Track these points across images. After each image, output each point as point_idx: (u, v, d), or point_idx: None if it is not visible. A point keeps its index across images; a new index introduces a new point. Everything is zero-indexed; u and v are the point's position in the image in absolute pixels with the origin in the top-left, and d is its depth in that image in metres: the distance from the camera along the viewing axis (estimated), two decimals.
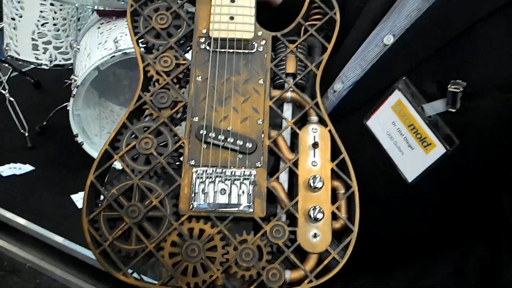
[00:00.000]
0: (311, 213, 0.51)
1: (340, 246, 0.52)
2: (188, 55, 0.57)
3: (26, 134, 2.18)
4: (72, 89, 1.86)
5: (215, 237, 0.52)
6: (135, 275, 0.52)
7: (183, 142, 0.54)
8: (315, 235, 0.52)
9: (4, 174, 2.09)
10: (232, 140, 0.53)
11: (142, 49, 0.58)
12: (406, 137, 0.52)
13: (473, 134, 0.48)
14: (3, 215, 1.91)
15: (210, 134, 0.53)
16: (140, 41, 0.58)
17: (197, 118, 0.54)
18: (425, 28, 0.52)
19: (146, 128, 0.55)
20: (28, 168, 2.14)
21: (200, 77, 0.55)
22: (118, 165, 0.55)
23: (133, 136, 0.55)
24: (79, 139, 1.96)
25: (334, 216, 0.53)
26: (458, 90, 0.47)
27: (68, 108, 1.91)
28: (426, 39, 0.51)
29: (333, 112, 0.59)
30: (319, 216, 0.51)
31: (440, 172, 0.50)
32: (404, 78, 0.51)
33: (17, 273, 1.89)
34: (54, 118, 2.28)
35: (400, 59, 0.54)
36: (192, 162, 0.53)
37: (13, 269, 1.90)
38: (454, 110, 0.48)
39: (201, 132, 0.54)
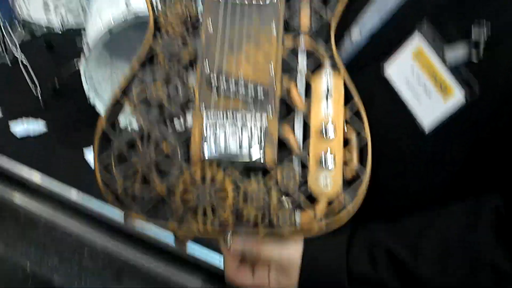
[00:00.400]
0: (323, 159, 0.51)
1: (351, 191, 0.52)
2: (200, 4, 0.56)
3: (40, 95, 2.20)
4: (84, 51, 1.85)
5: (225, 182, 0.52)
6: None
7: (193, 90, 0.54)
8: (326, 182, 0.52)
9: (18, 134, 2.13)
10: (243, 88, 0.53)
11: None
12: (425, 85, 0.50)
13: (494, 83, 0.47)
14: (19, 171, 1.96)
15: (221, 82, 0.53)
16: None
17: (208, 65, 0.53)
18: None
19: (157, 74, 0.54)
20: (42, 128, 2.18)
21: (211, 23, 0.54)
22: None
23: (143, 83, 0.54)
24: (91, 99, 1.98)
25: (346, 163, 0.53)
26: (482, 35, 0.45)
27: (80, 70, 1.91)
28: None
29: (350, 62, 0.57)
30: (330, 162, 0.51)
31: (458, 123, 0.49)
32: (425, 23, 0.49)
33: (33, 226, 1.96)
34: (66, 80, 2.29)
35: (421, 4, 0.52)
36: (203, 108, 0.53)
37: (29, 224, 1.97)
38: (476, 57, 0.46)
39: (212, 80, 0.53)
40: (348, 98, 0.53)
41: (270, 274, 0.54)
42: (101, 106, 1.96)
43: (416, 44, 0.50)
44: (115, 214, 1.79)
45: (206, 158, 0.52)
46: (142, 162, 0.52)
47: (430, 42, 0.49)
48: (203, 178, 0.52)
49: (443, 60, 0.48)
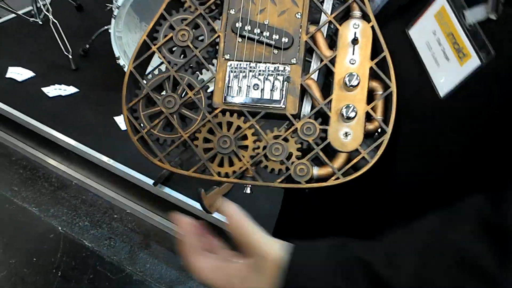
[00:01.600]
0: (344, 111, 0.51)
1: (372, 146, 0.51)
2: None
3: (70, 56, 2.24)
4: (113, 10, 1.86)
5: (246, 131, 0.52)
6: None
7: (218, 36, 0.53)
8: (346, 134, 0.51)
9: (50, 95, 2.19)
10: (268, 34, 0.52)
11: None
12: (444, 48, 0.48)
13: (511, 47, 0.44)
14: (52, 135, 2.02)
15: (245, 28, 0.52)
16: None
17: (233, 10, 0.53)
18: None
19: (183, 20, 0.54)
20: (72, 89, 2.23)
21: None
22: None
23: (170, 28, 0.54)
24: (121, 61, 2.00)
25: (369, 117, 0.52)
26: None
27: (109, 31, 1.93)
28: None
29: (376, 15, 0.56)
30: (352, 115, 0.51)
31: (473, 88, 0.47)
32: None
33: (64, 189, 2.03)
34: (96, 41, 2.32)
35: None
36: (227, 56, 0.53)
37: (61, 185, 2.05)
38: (495, 18, 0.44)
39: (237, 25, 0.53)
40: (375, 46, 0.52)
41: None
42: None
43: (440, 4, 0.48)
44: (144, 178, 1.84)
45: (228, 105, 0.52)
46: (167, 106, 0.53)
47: (451, 3, 0.47)
48: (225, 126, 0.53)
49: (463, 21, 0.46)
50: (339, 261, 0.46)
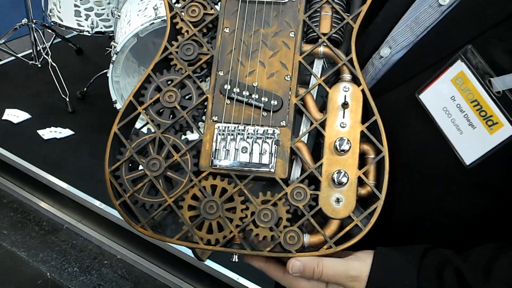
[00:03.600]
0: (335, 176, 0.49)
1: (365, 213, 0.49)
2: (218, 7, 0.55)
3: (67, 99, 2.25)
4: (112, 55, 1.88)
5: (234, 196, 0.50)
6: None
7: (207, 97, 0.52)
8: (338, 200, 0.49)
9: (45, 137, 2.18)
10: (257, 96, 0.51)
11: None
12: (467, 115, 0.46)
13: None
14: (45, 178, 1.99)
15: (234, 89, 0.51)
16: None
17: (222, 72, 0.52)
18: None
19: (170, 81, 0.53)
20: (68, 132, 2.22)
21: (227, 28, 0.53)
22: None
23: (157, 89, 0.53)
24: (118, 105, 2.00)
25: (361, 182, 0.50)
26: None
27: (108, 75, 1.94)
28: (493, 3, 0.45)
29: (379, 81, 0.54)
30: (344, 180, 0.49)
31: (505, 156, 0.45)
32: (468, 46, 0.45)
33: (55, 233, 1.98)
34: (94, 85, 2.34)
35: (461, 25, 0.47)
36: (215, 118, 0.52)
37: (51, 229, 2.00)
38: None
39: (226, 86, 0.52)
40: (367, 110, 0.51)
41: (328, 286, 0.49)
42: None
43: (457, 69, 0.46)
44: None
45: (216, 168, 0.50)
46: (151, 170, 0.51)
47: (474, 68, 0.45)
48: (212, 191, 0.50)
49: (490, 88, 0.44)
50: (433, 267, 0.46)
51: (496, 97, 0.44)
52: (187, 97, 0.53)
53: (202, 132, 0.51)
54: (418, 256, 0.48)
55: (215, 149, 0.51)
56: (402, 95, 0.51)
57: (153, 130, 0.52)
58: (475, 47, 0.45)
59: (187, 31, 0.54)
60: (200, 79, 0.54)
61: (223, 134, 0.51)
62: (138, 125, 0.57)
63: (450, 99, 0.47)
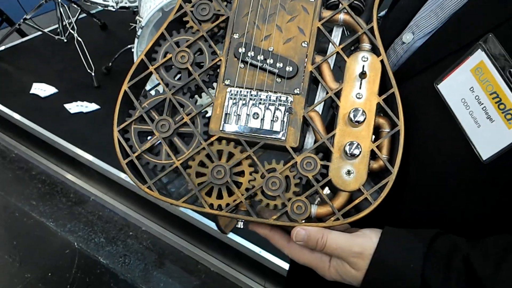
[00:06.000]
0: (347, 148, 0.47)
1: (375, 187, 0.47)
2: None
3: (93, 74, 2.28)
4: (137, 30, 1.89)
5: (243, 162, 0.49)
6: None
7: (220, 60, 0.51)
8: (348, 172, 0.47)
9: (72, 111, 2.21)
10: (271, 62, 0.50)
11: None
12: (486, 107, 0.44)
13: None
14: (72, 151, 2.03)
15: (249, 53, 0.50)
16: None
17: (237, 34, 0.51)
18: None
19: (184, 41, 0.52)
20: (94, 106, 2.25)
21: None
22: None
23: (170, 48, 0.52)
24: None
25: (374, 156, 0.48)
26: None
27: (132, 50, 1.95)
28: None
29: (400, 68, 0.52)
30: (356, 152, 0.47)
31: None
32: (490, 35, 0.42)
33: (82, 204, 2.03)
34: (119, 60, 2.35)
35: (485, 11, 0.45)
36: (227, 82, 0.50)
37: (79, 200, 2.04)
38: None
39: (240, 50, 0.50)
40: (384, 81, 0.49)
41: (332, 261, 0.48)
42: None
43: (477, 59, 0.44)
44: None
45: (225, 133, 0.49)
46: (160, 130, 0.50)
47: (494, 58, 0.42)
48: (220, 155, 0.49)
49: (509, 80, 0.42)
50: (442, 253, 0.45)
51: None
52: (199, 59, 0.52)
53: (214, 96, 0.50)
54: (427, 240, 0.46)
55: (226, 114, 0.50)
56: (421, 84, 0.49)
57: (163, 91, 0.51)
58: (497, 35, 0.42)
59: None
60: (214, 41, 0.52)
61: (234, 99, 0.50)
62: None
63: (469, 90, 0.44)
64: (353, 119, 0.47)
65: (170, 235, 1.89)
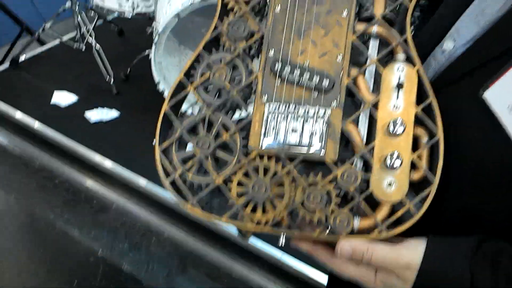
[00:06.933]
0: (388, 159, 0.47)
1: (417, 198, 0.47)
2: None
3: (112, 81, 2.31)
4: (154, 36, 1.91)
5: (283, 177, 0.50)
6: None
7: (256, 76, 0.52)
8: (390, 184, 0.48)
9: (92, 120, 2.25)
10: (308, 76, 0.50)
11: None
12: None
13: None
14: (93, 158, 2.07)
15: (285, 69, 0.51)
16: None
17: (273, 51, 0.51)
18: None
19: (220, 60, 0.53)
20: (114, 113, 2.28)
21: (279, 6, 0.52)
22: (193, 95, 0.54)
23: (207, 67, 0.53)
24: (161, 86, 2.04)
25: (414, 166, 0.48)
26: None
27: (150, 56, 1.97)
28: None
29: (441, 75, 0.52)
30: (397, 163, 0.47)
31: None
32: None
33: (105, 211, 2.06)
34: (136, 66, 2.38)
35: None
36: (265, 98, 0.51)
37: (101, 207, 2.08)
38: None
39: (276, 66, 0.51)
40: (421, 91, 0.49)
41: (377, 273, 0.48)
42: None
43: None
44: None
45: (265, 148, 0.50)
46: (200, 149, 0.51)
47: None
48: (261, 171, 0.50)
49: None
50: (488, 257, 0.45)
51: None
52: (237, 76, 0.53)
53: (252, 112, 0.51)
54: (473, 246, 0.46)
55: (265, 130, 0.50)
56: (464, 91, 0.49)
57: (203, 110, 0.52)
58: None
59: (238, 9, 0.53)
60: (251, 58, 0.53)
61: (273, 114, 0.51)
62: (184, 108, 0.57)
63: None
64: (392, 130, 0.48)
65: (191, 241, 1.91)
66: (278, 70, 0.51)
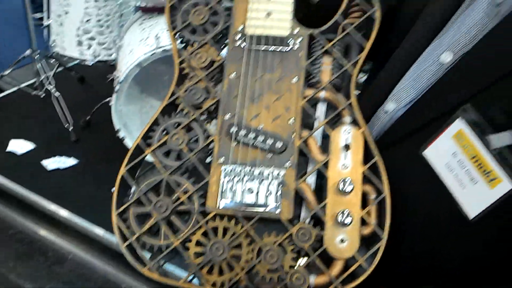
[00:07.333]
0: (339, 217, 0.50)
1: (368, 253, 0.50)
2: (224, 52, 0.57)
3: (71, 128, 2.27)
4: (115, 85, 1.92)
5: (240, 237, 0.51)
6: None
7: (213, 139, 0.54)
8: (342, 240, 0.50)
9: (49, 168, 2.19)
10: (262, 139, 0.53)
11: (179, 44, 0.58)
12: (469, 170, 0.48)
13: None
14: (47, 207, 2.00)
15: (240, 132, 0.53)
16: (177, 36, 0.58)
17: (228, 115, 0.54)
18: (490, 51, 0.48)
19: (178, 124, 0.55)
20: (72, 161, 2.23)
21: (234, 74, 0.55)
22: (151, 158, 0.55)
23: (165, 131, 0.55)
24: (121, 134, 2.02)
25: (364, 222, 0.51)
26: None
27: (110, 104, 1.97)
28: (490, 63, 0.47)
29: (385, 135, 0.56)
30: (348, 220, 0.50)
31: (506, 211, 0.46)
32: (466, 105, 0.47)
33: (60, 263, 1.97)
34: (97, 113, 2.36)
35: (461, 82, 0.49)
36: (222, 160, 0.53)
37: (57, 259, 1.98)
38: None
39: (232, 129, 0.53)
40: (367, 151, 0.53)
41: None
42: (129, 141, 2.00)
43: (457, 127, 0.48)
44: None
45: (222, 209, 0.52)
46: (158, 212, 0.52)
47: (472, 126, 0.47)
48: (218, 231, 0.51)
49: (487, 145, 0.46)
50: None
51: (493, 153, 0.46)
52: (194, 139, 0.55)
53: (209, 174, 0.53)
54: None
55: (222, 191, 0.52)
56: (407, 150, 0.53)
57: (160, 172, 0.54)
58: (474, 104, 0.47)
59: (193, 76, 0.56)
60: (207, 122, 0.55)
61: (229, 176, 0.52)
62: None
63: (452, 155, 0.48)
64: (342, 188, 0.51)
65: None
66: (234, 133, 0.53)
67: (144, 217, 0.53)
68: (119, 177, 0.54)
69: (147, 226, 0.52)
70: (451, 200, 0.49)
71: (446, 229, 0.51)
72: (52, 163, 2.20)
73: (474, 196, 0.47)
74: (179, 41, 0.58)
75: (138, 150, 0.55)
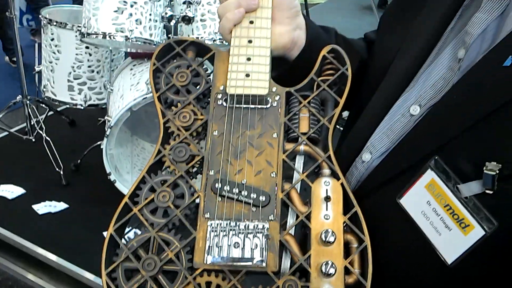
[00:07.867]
0: (323, 268, 0.51)
1: None
2: (207, 111, 0.60)
3: (61, 172, 2.27)
4: (106, 129, 1.94)
5: None
6: None
7: (199, 195, 0.56)
8: None
9: (40, 212, 2.18)
10: (246, 193, 0.55)
11: (163, 105, 0.61)
12: (443, 218, 0.50)
13: (510, 212, 0.47)
14: (39, 253, 1.98)
15: (225, 187, 0.55)
16: (161, 97, 0.61)
17: (213, 171, 0.56)
18: (455, 104, 0.50)
19: (164, 181, 0.57)
20: (62, 205, 2.22)
21: (216, 131, 0.57)
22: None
23: (152, 189, 0.57)
24: (112, 177, 2.03)
25: (347, 271, 0.53)
26: (494, 173, 0.45)
27: (101, 147, 1.99)
28: (456, 115, 0.50)
29: (363, 184, 0.59)
30: (331, 271, 0.51)
31: (481, 254, 0.48)
32: (436, 157, 0.50)
33: None
34: (88, 157, 2.37)
35: (430, 134, 0.52)
36: (207, 215, 0.55)
37: None
38: (491, 192, 0.47)
39: (216, 185, 0.55)
40: (347, 201, 0.55)
41: None
42: (120, 184, 2.00)
43: (429, 177, 0.51)
44: None
45: (209, 264, 0.53)
46: (147, 269, 0.53)
47: (442, 176, 0.49)
48: (206, 286, 0.53)
49: (458, 194, 0.49)
50: None
51: (464, 201, 0.48)
52: (180, 196, 0.56)
53: (195, 230, 0.54)
54: None
55: (209, 246, 0.53)
56: (384, 198, 0.55)
57: (148, 230, 0.55)
58: (442, 155, 0.49)
59: (178, 135, 0.58)
60: (192, 177, 0.57)
61: (215, 231, 0.54)
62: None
63: (426, 204, 0.51)
64: (324, 239, 0.52)
65: None
66: (218, 189, 0.55)
67: (133, 274, 0.54)
68: (107, 237, 0.55)
69: (135, 285, 0.53)
70: (429, 247, 0.51)
71: (427, 274, 0.53)
72: (43, 208, 2.19)
73: (450, 243, 0.49)
74: (163, 102, 0.61)
75: (126, 208, 0.56)
